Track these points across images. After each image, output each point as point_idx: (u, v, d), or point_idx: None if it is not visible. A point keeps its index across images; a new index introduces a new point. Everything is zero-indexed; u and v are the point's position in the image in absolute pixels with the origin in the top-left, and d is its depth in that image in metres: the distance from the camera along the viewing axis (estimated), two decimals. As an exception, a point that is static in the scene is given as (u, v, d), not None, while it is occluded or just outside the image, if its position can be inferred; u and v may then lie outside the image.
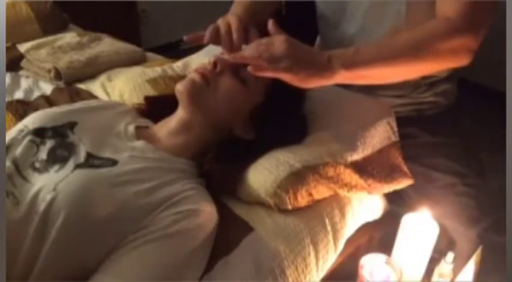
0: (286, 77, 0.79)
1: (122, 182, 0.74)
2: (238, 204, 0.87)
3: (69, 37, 1.54)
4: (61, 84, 1.30)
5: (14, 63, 1.39)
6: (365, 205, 0.95)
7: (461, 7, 0.86)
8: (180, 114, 0.88)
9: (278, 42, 0.78)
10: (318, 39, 1.26)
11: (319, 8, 1.17)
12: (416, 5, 0.97)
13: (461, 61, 0.89)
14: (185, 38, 0.90)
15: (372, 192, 0.91)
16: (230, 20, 0.91)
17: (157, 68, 1.24)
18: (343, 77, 0.82)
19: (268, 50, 0.78)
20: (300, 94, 0.92)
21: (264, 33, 0.87)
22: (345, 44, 0.96)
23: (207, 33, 0.88)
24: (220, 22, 0.91)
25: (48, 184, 0.72)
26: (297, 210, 0.84)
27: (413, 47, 0.85)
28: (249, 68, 0.78)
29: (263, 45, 0.79)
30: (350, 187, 0.87)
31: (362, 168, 0.90)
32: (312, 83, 0.81)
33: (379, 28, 1.03)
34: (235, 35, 0.87)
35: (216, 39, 0.88)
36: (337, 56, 0.82)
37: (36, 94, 1.29)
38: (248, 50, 0.80)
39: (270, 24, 0.83)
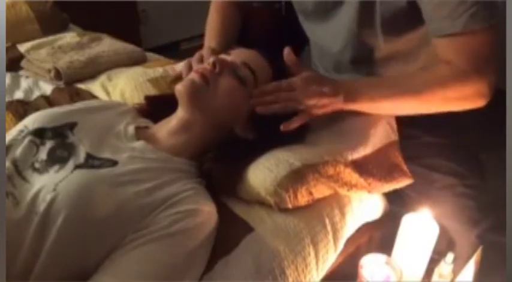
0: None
1: (122, 182, 0.74)
2: (238, 204, 0.87)
3: (69, 37, 1.54)
4: (61, 84, 1.30)
5: (14, 63, 1.38)
6: (365, 205, 0.95)
7: (463, 52, 0.86)
8: (180, 114, 0.88)
9: (299, 82, 0.85)
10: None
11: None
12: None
13: (474, 105, 0.89)
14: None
15: (372, 191, 0.91)
16: (203, 53, 1.03)
17: (158, 68, 1.24)
18: (351, 107, 0.90)
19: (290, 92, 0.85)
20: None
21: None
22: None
23: (184, 68, 1.02)
24: (197, 56, 1.03)
25: (48, 184, 0.72)
26: (297, 210, 0.84)
27: (420, 92, 0.88)
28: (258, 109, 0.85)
29: (287, 85, 0.85)
30: (350, 186, 0.87)
31: (362, 167, 0.89)
32: (322, 112, 0.88)
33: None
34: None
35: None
36: (347, 88, 0.88)
37: (36, 94, 1.29)
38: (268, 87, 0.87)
39: (288, 57, 0.87)
